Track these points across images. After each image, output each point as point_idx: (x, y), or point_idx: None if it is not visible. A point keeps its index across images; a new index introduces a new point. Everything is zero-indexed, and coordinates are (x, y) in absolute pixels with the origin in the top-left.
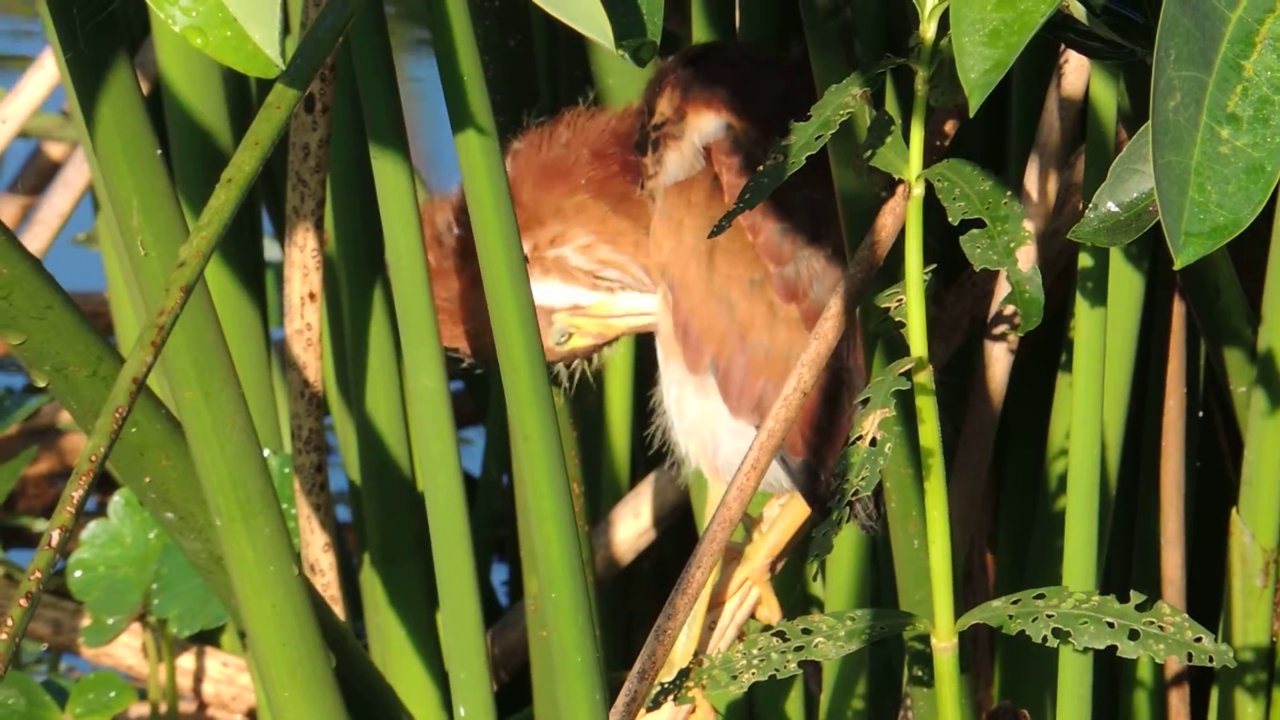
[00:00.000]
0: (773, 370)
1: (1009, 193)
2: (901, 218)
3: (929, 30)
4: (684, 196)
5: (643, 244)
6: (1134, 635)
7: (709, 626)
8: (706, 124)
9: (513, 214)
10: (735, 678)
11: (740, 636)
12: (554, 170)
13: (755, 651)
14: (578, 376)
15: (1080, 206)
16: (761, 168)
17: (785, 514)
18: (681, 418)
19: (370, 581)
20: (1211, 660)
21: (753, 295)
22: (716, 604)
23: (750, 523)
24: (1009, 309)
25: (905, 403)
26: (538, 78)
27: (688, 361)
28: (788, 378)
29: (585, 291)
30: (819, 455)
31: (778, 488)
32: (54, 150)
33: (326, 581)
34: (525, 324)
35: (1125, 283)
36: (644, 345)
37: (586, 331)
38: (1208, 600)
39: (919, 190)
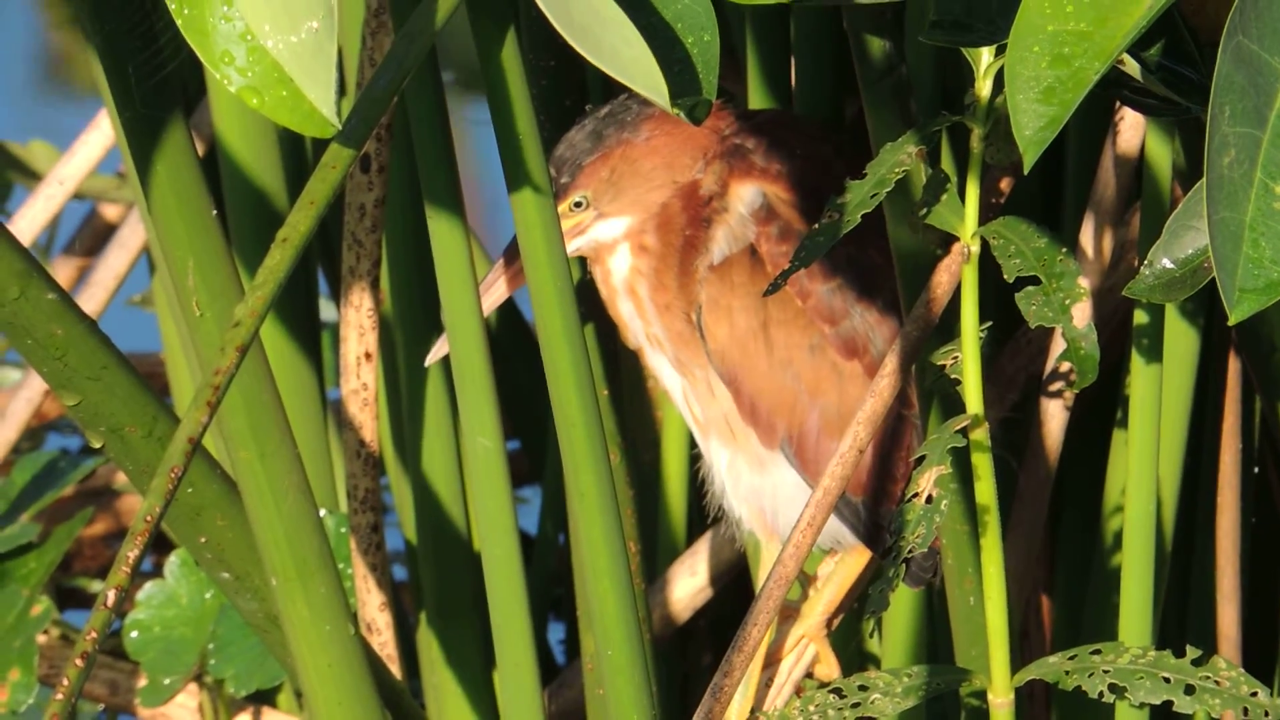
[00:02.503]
0: (845, 429)
1: (1064, 249)
2: (957, 275)
3: (984, 88)
4: (726, 281)
5: (674, 310)
6: (1190, 690)
7: (765, 684)
8: (749, 193)
9: (569, 273)
10: None
11: (798, 693)
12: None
13: (812, 708)
14: None
15: (1135, 263)
16: (817, 225)
17: (840, 570)
18: (736, 483)
19: (427, 640)
20: (1268, 715)
21: (815, 360)
22: (772, 662)
23: (805, 580)
24: (1064, 365)
25: (961, 460)
26: None
27: (761, 440)
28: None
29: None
30: (880, 500)
31: (833, 544)
32: (110, 212)
33: (383, 640)
34: (582, 385)
35: (1180, 339)
36: None
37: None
38: (1264, 655)
39: (975, 248)
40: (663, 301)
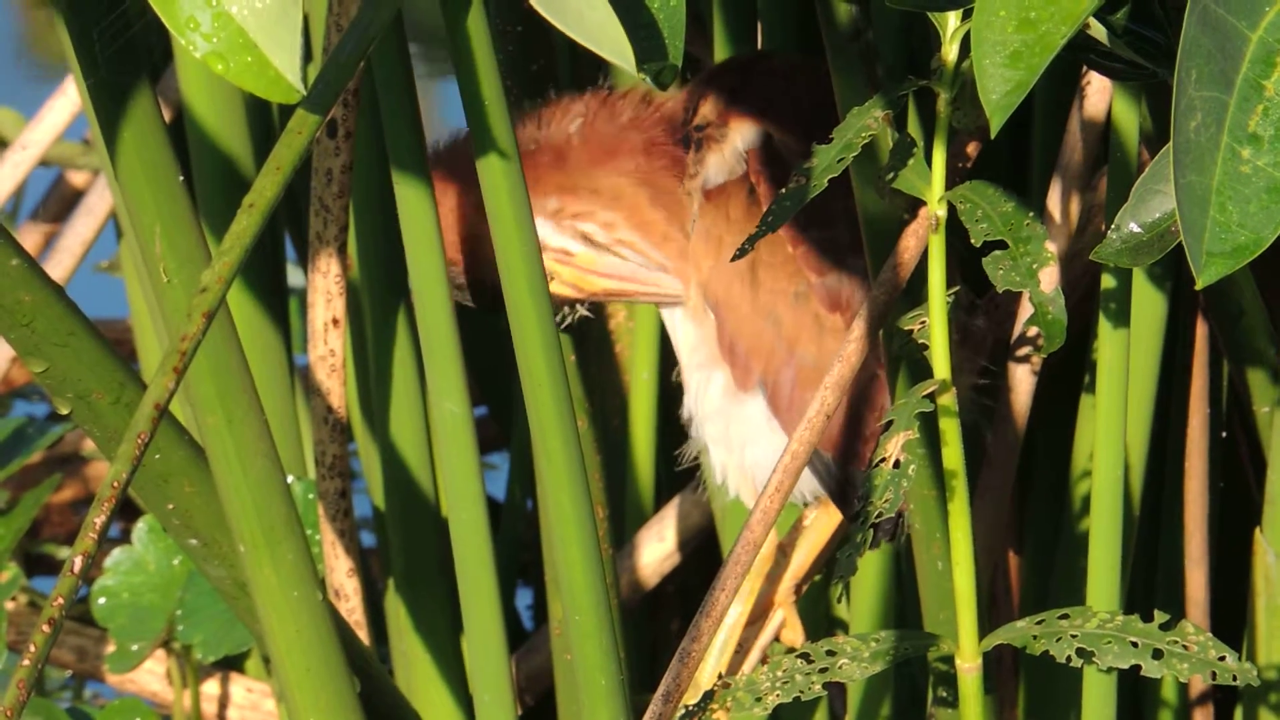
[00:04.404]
0: (822, 381)
1: (1031, 214)
2: (924, 239)
3: (951, 52)
4: (722, 211)
5: (671, 238)
6: (1158, 655)
7: (735, 649)
8: (748, 131)
9: (537, 237)
10: (760, 700)
11: (764, 659)
12: (606, 148)
13: (780, 673)
14: (565, 320)
15: (1103, 227)
16: (784, 190)
17: (808, 535)
18: (709, 423)
19: (394, 606)
20: (1235, 679)
21: (798, 307)
22: (754, 620)
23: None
24: (1032, 330)
25: (929, 424)
26: None
27: (736, 379)
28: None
29: (574, 242)
30: (851, 457)
31: (807, 499)
32: (76, 178)
33: (351, 606)
34: (549, 350)
35: (1148, 303)
36: (669, 367)
37: (564, 280)
38: (1232, 619)
39: (941, 212)
40: (657, 236)
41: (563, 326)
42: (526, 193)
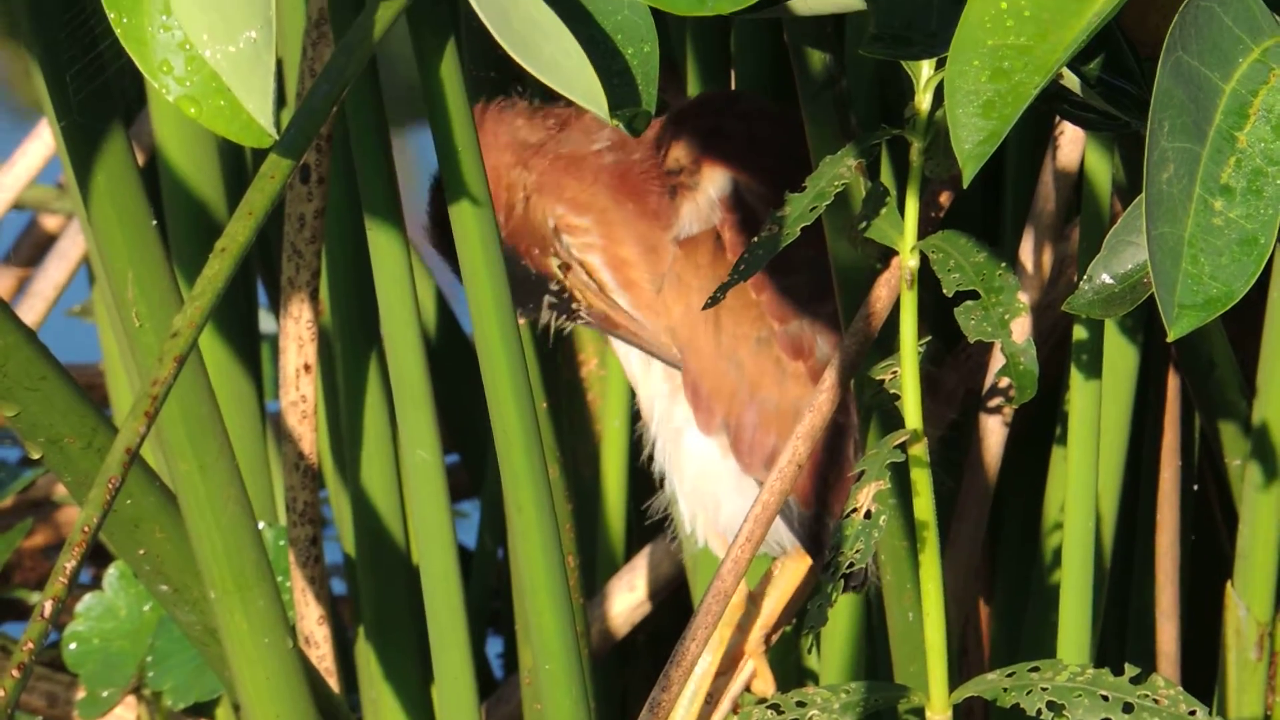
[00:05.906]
0: (783, 425)
1: (1004, 264)
2: (896, 289)
3: (924, 101)
4: (691, 259)
5: (644, 288)
6: (1129, 708)
7: (705, 699)
8: (721, 178)
9: (507, 285)
10: None
11: (735, 709)
12: (615, 187)
13: None
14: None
15: (1075, 278)
16: (756, 239)
17: (777, 584)
18: (682, 480)
19: (365, 654)
20: None
21: (760, 353)
22: (724, 670)
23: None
24: (1004, 381)
25: (900, 475)
26: None
27: (699, 422)
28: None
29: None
30: (824, 505)
31: (776, 549)
32: (49, 222)
33: (321, 654)
34: (521, 399)
35: (1120, 355)
36: (640, 415)
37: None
38: (1202, 673)
39: (914, 262)
40: (624, 278)
41: (535, 324)
42: (498, 240)
